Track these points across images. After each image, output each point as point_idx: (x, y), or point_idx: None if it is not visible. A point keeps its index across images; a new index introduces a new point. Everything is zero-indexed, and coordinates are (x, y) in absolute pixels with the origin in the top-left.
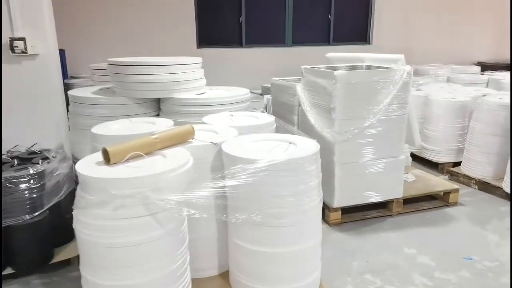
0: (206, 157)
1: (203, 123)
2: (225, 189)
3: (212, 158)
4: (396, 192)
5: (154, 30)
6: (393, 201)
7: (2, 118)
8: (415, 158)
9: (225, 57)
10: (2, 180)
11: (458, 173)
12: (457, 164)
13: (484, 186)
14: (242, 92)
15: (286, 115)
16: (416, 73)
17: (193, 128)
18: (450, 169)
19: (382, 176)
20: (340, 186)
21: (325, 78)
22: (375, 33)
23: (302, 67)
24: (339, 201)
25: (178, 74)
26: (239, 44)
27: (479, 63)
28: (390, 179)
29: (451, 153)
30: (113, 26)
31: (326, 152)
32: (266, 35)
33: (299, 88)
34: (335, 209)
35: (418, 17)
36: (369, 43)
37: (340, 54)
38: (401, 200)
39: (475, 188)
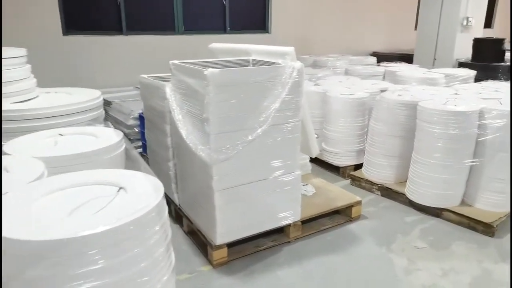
0: None
1: None
2: None
3: None
4: (293, 215)
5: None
6: (290, 225)
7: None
8: (316, 161)
9: (101, 47)
10: None
11: (360, 177)
12: (359, 166)
13: (387, 192)
14: (86, 98)
15: (158, 124)
16: (315, 65)
17: None
18: (351, 174)
19: (275, 197)
20: (222, 218)
21: (195, 78)
22: (273, 22)
23: (171, 62)
24: (222, 236)
25: None
26: (119, 31)
27: (374, 53)
28: (285, 200)
29: (352, 155)
30: None
31: (203, 176)
32: (153, 21)
33: (169, 90)
34: (219, 247)
35: (317, 6)
36: (268, 32)
37: (224, 45)
38: (299, 223)
39: (377, 194)
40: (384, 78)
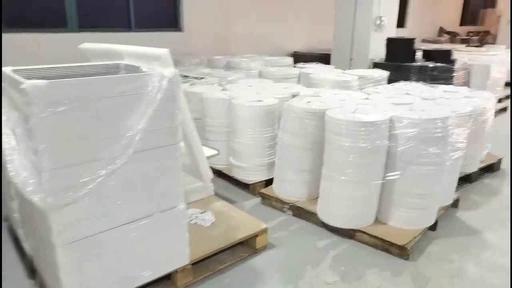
0: None
1: None
2: None
3: None
4: (180, 258)
5: None
6: (177, 271)
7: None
8: (223, 176)
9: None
10: None
11: (270, 196)
12: (271, 182)
13: (299, 212)
14: None
15: None
16: (229, 66)
17: None
18: (261, 191)
19: (153, 242)
20: (70, 281)
21: (19, 93)
22: (186, 19)
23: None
24: None
25: None
26: None
27: (295, 53)
28: (166, 243)
29: (262, 170)
30: None
31: (42, 225)
32: (37, 16)
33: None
34: None
35: (235, 2)
36: (180, 30)
37: (95, 45)
38: (189, 266)
39: (289, 214)
40: (299, 81)
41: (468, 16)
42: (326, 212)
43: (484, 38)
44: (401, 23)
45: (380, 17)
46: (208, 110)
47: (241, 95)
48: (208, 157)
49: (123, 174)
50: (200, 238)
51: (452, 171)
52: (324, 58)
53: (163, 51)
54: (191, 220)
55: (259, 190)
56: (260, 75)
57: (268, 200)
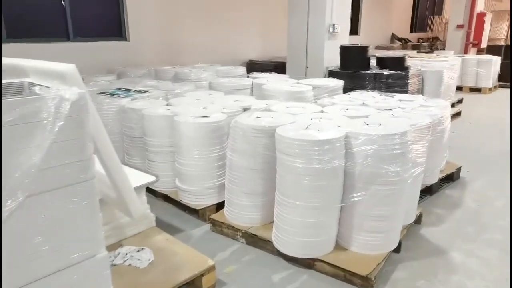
0: None
1: None
2: None
3: None
4: None
5: None
6: None
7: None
8: (170, 201)
9: None
10: None
11: (221, 222)
12: (223, 205)
13: (253, 240)
14: None
15: None
16: (177, 78)
17: None
18: (211, 217)
19: None
20: None
21: None
22: (131, 27)
23: None
24: None
25: None
26: None
27: (250, 61)
28: None
29: (212, 193)
30: None
31: None
32: None
33: None
34: None
35: (182, 9)
36: (125, 39)
37: None
38: None
39: (242, 242)
40: (252, 92)
41: (418, 23)
42: (282, 240)
43: (433, 44)
44: (354, 30)
45: (333, 24)
46: (150, 129)
47: (186, 110)
48: (144, 186)
49: (18, 221)
50: (135, 284)
51: (413, 187)
52: (281, 67)
53: (68, 67)
54: (125, 260)
55: (209, 215)
56: (211, 86)
57: (219, 227)
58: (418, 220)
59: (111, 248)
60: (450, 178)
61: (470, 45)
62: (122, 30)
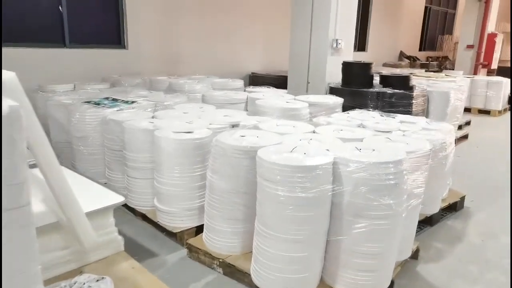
0: None
1: None
2: None
3: None
4: None
5: None
6: None
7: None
8: (148, 221)
9: None
10: None
11: (199, 248)
12: (202, 229)
13: (230, 270)
14: None
15: None
16: (170, 89)
17: None
18: (188, 242)
19: None
20: None
21: None
22: (130, 36)
23: None
24: None
25: None
26: None
27: (253, 74)
28: None
29: (192, 215)
30: None
31: None
32: None
33: None
34: None
35: (183, 19)
36: (124, 47)
37: None
38: None
39: (219, 272)
40: (246, 107)
41: (427, 41)
42: (260, 274)
43: (443, 64)
44: (362, 47)
45: (337, 39)
46: (130, 142)
47: (169, 125)
48: (110, 207)
49: None
50: None
51: (409, 221)
52: (284, 80)
53: (6, 76)
54: None
55: (187, 239)
56: (203, 99)
57: (195, 253)
58: (415, 255)
59: (69, 275)
60: (453, 208)
61: (480, 66)
62: (121, 38)
